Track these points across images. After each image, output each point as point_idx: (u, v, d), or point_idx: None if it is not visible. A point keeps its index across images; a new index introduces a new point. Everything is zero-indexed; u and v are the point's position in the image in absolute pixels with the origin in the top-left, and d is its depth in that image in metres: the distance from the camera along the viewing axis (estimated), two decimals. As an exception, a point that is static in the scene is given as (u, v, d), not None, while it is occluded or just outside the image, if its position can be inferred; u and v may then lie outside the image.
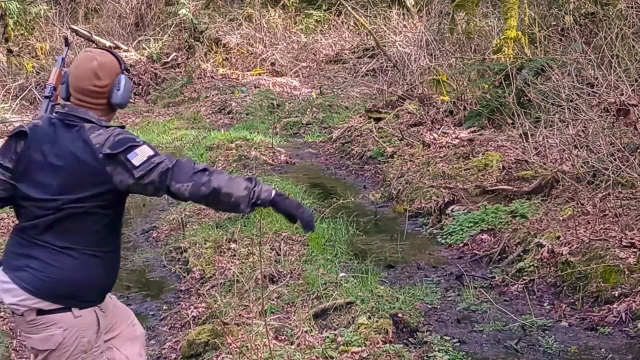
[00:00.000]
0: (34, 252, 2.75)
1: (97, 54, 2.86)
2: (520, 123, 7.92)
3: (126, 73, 2.90)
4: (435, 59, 11.98)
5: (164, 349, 4.70)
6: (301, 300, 4.81)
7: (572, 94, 7.30)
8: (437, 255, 6.26)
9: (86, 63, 2.82)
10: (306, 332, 4.34)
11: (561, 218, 5.99)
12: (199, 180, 2.72)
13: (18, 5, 15.60)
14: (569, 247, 5.41)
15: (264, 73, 15.78)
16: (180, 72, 16.17)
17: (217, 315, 4.58)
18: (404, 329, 4.55)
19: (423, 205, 7.32)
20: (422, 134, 9.43)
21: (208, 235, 6.38)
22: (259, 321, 4.35)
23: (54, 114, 2.90)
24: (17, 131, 2.82)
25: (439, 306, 5.05)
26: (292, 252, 5.82)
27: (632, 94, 6.22)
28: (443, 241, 6.55)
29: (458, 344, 4.42)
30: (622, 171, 6.06)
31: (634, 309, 4.60)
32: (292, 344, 4.25)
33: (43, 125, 2.82)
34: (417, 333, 4.53)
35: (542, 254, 5.47)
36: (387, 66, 13.92)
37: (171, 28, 17.31)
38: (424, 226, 7.03)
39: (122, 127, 2.84)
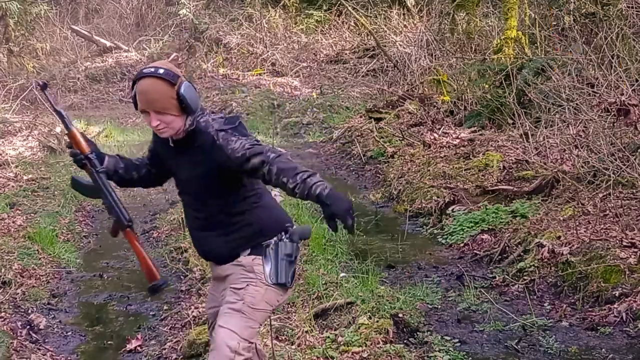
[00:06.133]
0: None
1: None
2: (520, 123, 7.92)
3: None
4: (435, 59, 11.97)
5: (165, 349, 4.70)
6: (302, 300, 4.81)
7: (573, 94, 7.30)
8: (438, 255, 6.26)
9: None
10: (307, 332, 4.34)
11: (562, 218, 5.99)
12: None
13: (19, 6, 15.61)
14: (570, 247, 5.41)
15: (264, 73, 15.76)
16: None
17: (218, 315, 4.57)
18: (405, 329, 4.55)
19: (423, 205, 7.32)
20: (422, 134, 9.42)
21: (209, 235, 6.37)
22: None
23: None
24: None
25: (439, 306, 5.05)
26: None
27: (632, 94, 6.21)
28: (443, 241, 6.54)
29: (459, 344, 4.42)
30: (623, 171, 6.06)
31: (634, 308, 4.60)
32: (292, 344, 4.25)
33: None
34: (418, 333, 4.53)
35: (542, 254, 5.47)
36: (387, 66, 13.90)
37: (172, 28, 17.32)
38: (424, 226, 7.03)
39: None
